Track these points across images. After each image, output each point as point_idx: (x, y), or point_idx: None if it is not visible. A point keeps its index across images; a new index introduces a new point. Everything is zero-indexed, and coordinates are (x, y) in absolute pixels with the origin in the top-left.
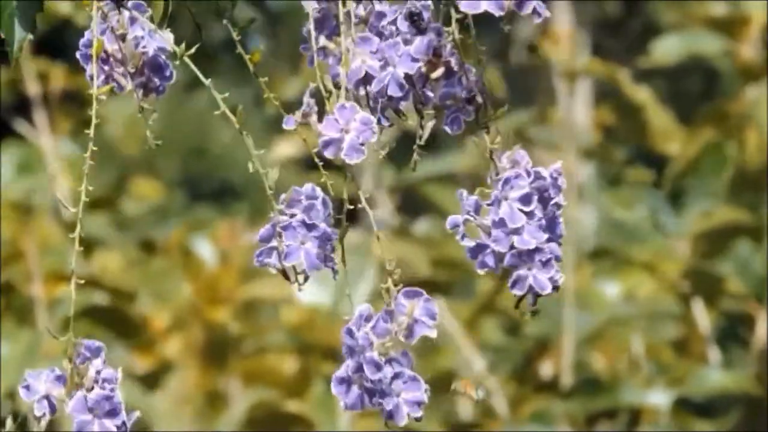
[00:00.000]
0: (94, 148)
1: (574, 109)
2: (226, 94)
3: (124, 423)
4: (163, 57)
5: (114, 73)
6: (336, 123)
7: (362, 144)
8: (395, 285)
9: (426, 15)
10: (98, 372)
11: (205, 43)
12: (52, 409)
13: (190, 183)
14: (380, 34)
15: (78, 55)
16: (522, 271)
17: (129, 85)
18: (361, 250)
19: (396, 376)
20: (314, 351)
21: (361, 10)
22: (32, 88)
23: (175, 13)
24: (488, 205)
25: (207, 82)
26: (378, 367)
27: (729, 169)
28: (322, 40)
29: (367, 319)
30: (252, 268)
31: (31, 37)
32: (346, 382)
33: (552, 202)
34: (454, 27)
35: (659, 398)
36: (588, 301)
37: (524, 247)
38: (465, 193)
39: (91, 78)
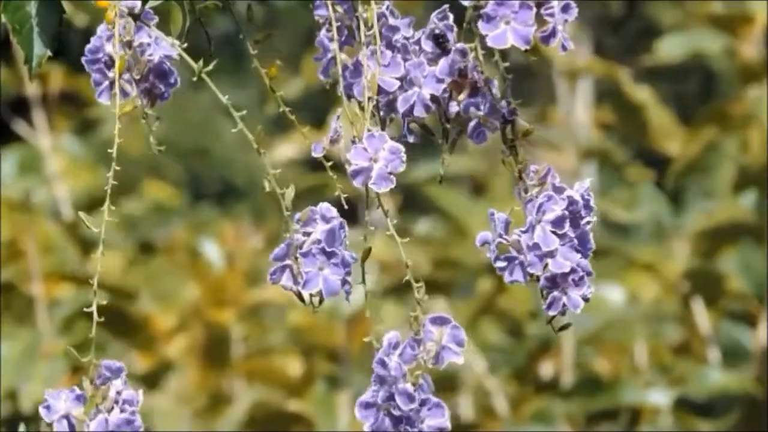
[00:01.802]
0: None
1: (575, 108)
2: (244, 112)
3: None
4: (168, 64)
5: (119, 80)
6: (365, 152)
7: (391, 173)
8: (423, 313)
9: (450, 35)
10: (119, 393)
11: (204, 41)
12: (72, 428)
13: (193, 184)
14: (392, 47)
15: (83, 60)
16: (556, 293)
17: (133, 91)
18: (360, 248)
19: (422, 403)
20: (316, 352)
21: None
22: (31, 89)
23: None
24: (523, 232)
25: (225, 99)
26: (411, 399)
27: (730, 168)
28: (335, 49)
29: (395, 346)
30: (257, 270)
31: (50, 53)
32: (372, 407)
33: (584, 221)
34: (476, 45)
35: (659, 398)
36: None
37: (559, 271)
38: (495, 212)
39: (97, 84)
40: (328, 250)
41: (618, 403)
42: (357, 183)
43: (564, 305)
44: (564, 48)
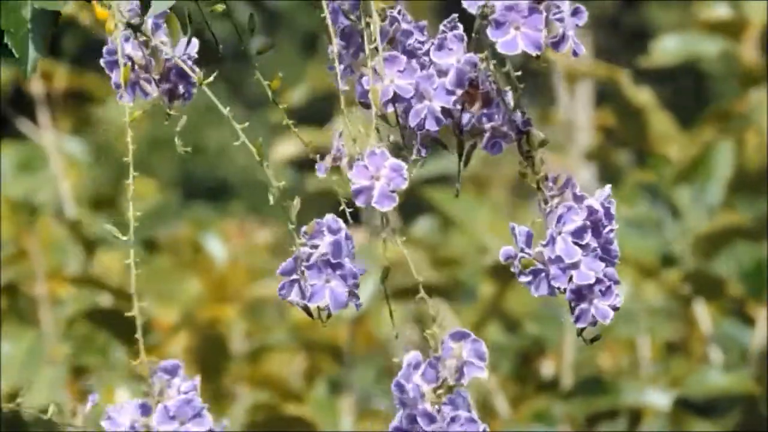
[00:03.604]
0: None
1: (575, 110)
2: (246, 124)
3: (211, 430)
4: (189, 63)
5: (139, 80)
6: (366, 170)
7: (393, 191)
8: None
9: (459, 45)
10: (179, 388)
11: (207, 44)
12: None
13: (186, 182)
14: (407, 53)
15: (102, 62)
16: (584, 305)
17: (154, 91)
18: (364, 250)
19: (453, 420)
20: (318, 349)
21: (387, 28)
22: (35, 87)
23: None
24: (543, 245)
25: (226, 111)
26: (432, 419)
27: (728, 171)
28: (348, 59)
29: (416, 366)
30: (260, 266)
31: (42, 56)
32: None
33: (606, 230)
34: (487, 54)
35: (660, 398)
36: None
37: (584, 282)
38: (516, 225)
39: (117, 87)
40: (333, 261)
41: (618, 403)
42: (359, 202)
43: (593, 317)
44: (575, 53)
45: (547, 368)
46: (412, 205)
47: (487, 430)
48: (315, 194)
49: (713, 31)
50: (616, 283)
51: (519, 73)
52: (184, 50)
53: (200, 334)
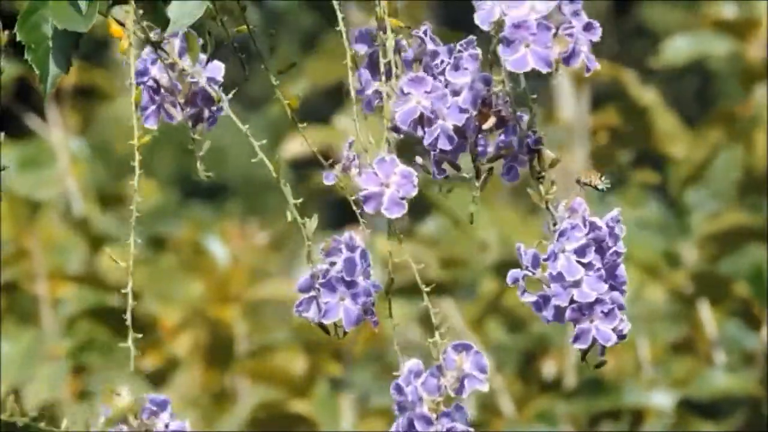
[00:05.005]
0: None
1: (578, 109)
2: (264, 142)
3: None
4: (215, 88)
5: (164, 103)
6: (376, 177)
7: (403, 198)
8: (442, 338)
9: (474, 64)
10: (166, 426)
11: (217, 54)
12: None
13: (184, 181)
14: (435, 74)
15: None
16: (584, 325)
17: (179, 115)
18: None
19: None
20: (319, 349)
21: (411, 52)
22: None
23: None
24: (545, 259)
25: (245, 128)
26: (429, 423)
27: (736, 172)
28: (376, 84)
29: (417, 374)
30: (262, 267)
31: (64, 74)
32: None
33: (610, 251)
34: (504, 76)
35: (663, 399)
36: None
37: (584, 300)
38: (523, 246)
39: (144, 108)
40: (347, 279)
41: (621, 403)
42: (368, 209)
43: (593, 338)
44: (588, 69)
45: (550, 368)
46: (416, 203)
47: None
48: (316, 192)
49: (722, 30)
50: (621, 307)
51: (534, 96)
52: (208, 73)
53: (203, 334)
